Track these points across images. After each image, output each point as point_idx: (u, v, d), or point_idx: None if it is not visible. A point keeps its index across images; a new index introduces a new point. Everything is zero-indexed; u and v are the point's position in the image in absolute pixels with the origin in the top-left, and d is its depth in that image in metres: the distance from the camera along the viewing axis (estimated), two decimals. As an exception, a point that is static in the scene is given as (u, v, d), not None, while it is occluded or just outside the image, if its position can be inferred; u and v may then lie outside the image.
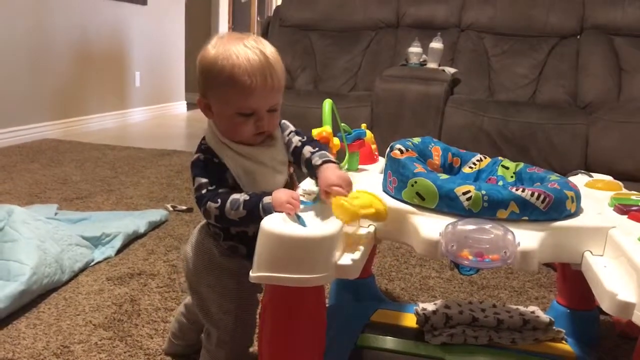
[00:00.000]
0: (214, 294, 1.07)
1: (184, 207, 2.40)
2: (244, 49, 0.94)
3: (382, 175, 1.09)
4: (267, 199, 0.90)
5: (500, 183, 1.11)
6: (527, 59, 3.16)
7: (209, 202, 0.94)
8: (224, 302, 1.06)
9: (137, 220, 2.08)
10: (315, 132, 1.06)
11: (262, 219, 0.86)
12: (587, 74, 3.05)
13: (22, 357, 1.26)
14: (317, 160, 0.97)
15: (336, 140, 1.09)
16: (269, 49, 0.97)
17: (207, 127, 1.03)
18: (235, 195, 0.93)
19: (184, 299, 1.25)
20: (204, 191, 0.96)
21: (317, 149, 1.00)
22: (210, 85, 0.98)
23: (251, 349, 1.16)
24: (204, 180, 0.97)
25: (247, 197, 0.92)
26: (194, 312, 1.19)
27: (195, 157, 1.00)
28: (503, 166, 1.14)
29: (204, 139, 1.02)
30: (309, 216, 0.87)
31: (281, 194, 0.89)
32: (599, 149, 2.54)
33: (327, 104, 1.07)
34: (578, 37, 3.16)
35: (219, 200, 0.93)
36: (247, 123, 0.97)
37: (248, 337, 1.11)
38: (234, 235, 1.03)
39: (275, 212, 0.88)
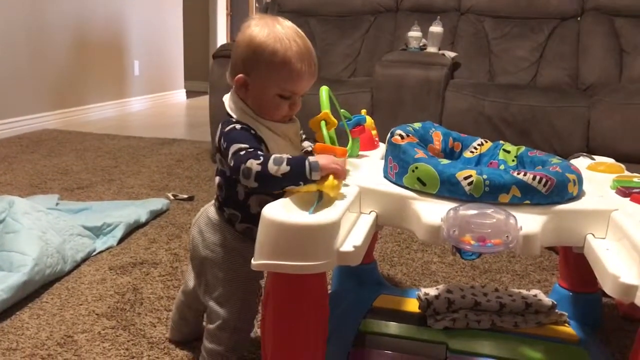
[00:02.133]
0: (221, 277, 1.08)
1: (185, 196, 2.40)
2: (290, 33, 0.99)
3: (382, 161, 1.08)
4: (312, 158, 0.90)
5: (502, 167, 1.10)
6: (528, 42, 3.14)
7: (250, 160, 0.91)
8: (231, 287, 1.07)
9: (138, 210, 2.08)
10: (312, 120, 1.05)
11: (304, 177, 0.88)
12: (588, 55, 3.03)
13: (26, 347, 1.27)
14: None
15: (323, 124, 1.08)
16: (303, 35, 1.02)
17: (235, 107, 1.03)
18: (277, 155, 0.92)
19: (182, 287, 1.26)
20: (242, 152, 0.93)
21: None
22: (259, 65, 0.99)
23: (252, 334, 1.17)
24: (243, 145, 0.94)
25: (290, 156, 0.91)
26: (193, 299, 1.19)
27: (229, 127, 0.99)
28: (504, 150, 1.13)
29: (230, 117, 1.02)
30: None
31: (325, 158, 0.90)
32: (600, 131, 2.53)
33: (324, 91, 1.06)
34: (578, 18, 3.14)
35: (262, 157, 0.91)
36: (283, 104, 1.01)
37: (250, 322, 1.12)
38: (253, 215, 1.03)
39: (322, 173, 0.88)
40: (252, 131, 0.99)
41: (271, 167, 0.89)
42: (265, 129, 1.01)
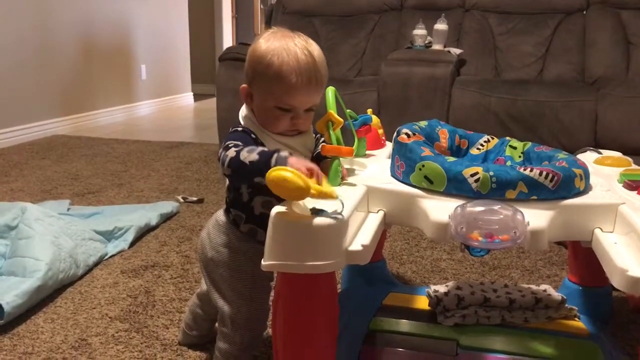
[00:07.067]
0: (229, 278, 1.09)
1: (195, 198, 2.42)
2: (294, 48, 0.98)
3: (389, 160, 1.09)
4: (283, 153, 0.89)
5: (509, 163, 1.11)
6: (533, 37, 3.13)
7: (231, 148, 0.92)
8: (239, 287, 1.08)
9: (148, 213, 2.10)
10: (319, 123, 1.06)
11: (269, 168, 0.83)
12: (594, 49, 3.01)
13: (42, 351, 1.28)
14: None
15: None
16: (316, 51, 1.01)
17: (243, 116, 1.05)
18: (255, 146, 0.93)
19: (197, 290, 1.27)
20: (231, 145, 0.94)
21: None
22: (257, 76, 1.01)
23: (264, 334, 1.18)
24: (236, 142, 0.96)
25: (266, 149, 0.92)
26: (207, 302, 1.21)
27: (232, 130, 1.02)
28: (511, 146, 1.14)
29: (239, 124, 1.04)
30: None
31: (297, 158, 0.87)
32: (608, 125, 2.52)
33: (330, 91, 1.07)
34: (584, 12, 3.13)
35: (240, 145, 0.93)
36: (284, 118, 1.01)
37: (262, 321, 1.13)
38: (257, 217, 1.04)
39: (290, 166, 0.85)
40: (253, 135, 1.01)
41: (243, 154, 0.90)
42: (269, 138, 1.02)
